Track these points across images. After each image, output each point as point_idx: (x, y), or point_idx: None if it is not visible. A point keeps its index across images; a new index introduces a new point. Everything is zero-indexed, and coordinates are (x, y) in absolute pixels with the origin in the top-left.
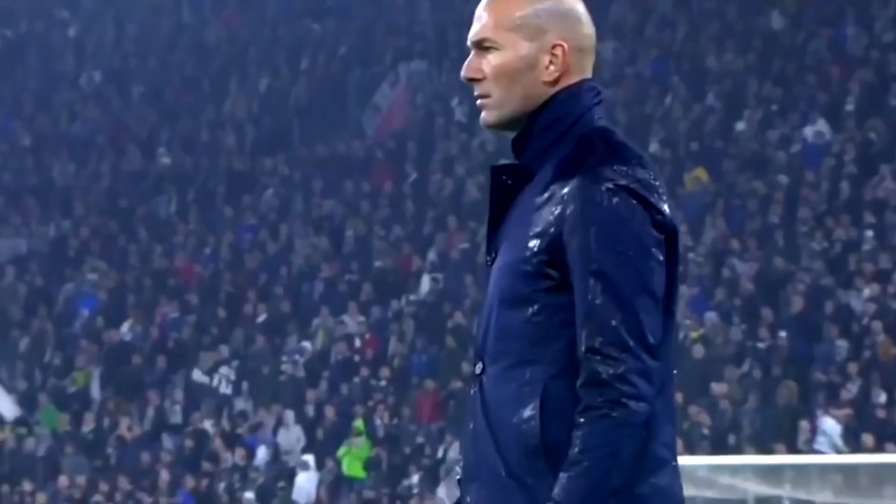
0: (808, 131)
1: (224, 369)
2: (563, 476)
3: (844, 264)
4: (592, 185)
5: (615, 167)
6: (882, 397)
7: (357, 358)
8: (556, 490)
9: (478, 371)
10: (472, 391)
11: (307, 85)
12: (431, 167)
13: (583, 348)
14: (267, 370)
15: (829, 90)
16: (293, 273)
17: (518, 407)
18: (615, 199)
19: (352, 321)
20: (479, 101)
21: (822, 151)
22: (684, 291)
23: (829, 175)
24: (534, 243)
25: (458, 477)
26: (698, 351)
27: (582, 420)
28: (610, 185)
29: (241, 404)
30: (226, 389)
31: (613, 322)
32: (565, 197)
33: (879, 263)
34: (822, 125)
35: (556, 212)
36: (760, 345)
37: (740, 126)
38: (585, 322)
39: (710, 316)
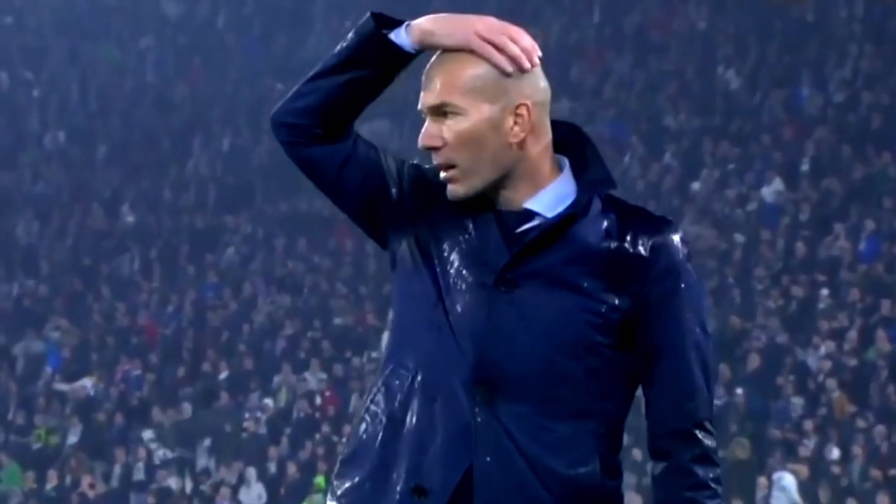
0: (765, 190)
1: (186, 425)
2: None
3: (800, 322)
4: (677, 239)
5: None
6: (837, 454)
7: (318, 415)
8: None
9: (480, 400)
10: (469, 419)
11: (270, 143)
12: None
13: (690, 424)
14: (229, 427)
15: (785, 149)
16: (255, 330)
17: (570, 458)
18: (690, 256)
19: (313, 378)
20: (443, 174)
21: (779, 210)
22: None
23: (785, 233)
24: (611, 297)
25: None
26: None
27: (692, 496)
28: (685, 240)
29: (203, 462)
30: (188, 447)
31: (710, 397)
32: (648, 248)
33: (835, 321)
34: (777, 184)
35: (638, 264)
36: (717, 402)
37: (697, 185)
38: (692, 395)
39: None
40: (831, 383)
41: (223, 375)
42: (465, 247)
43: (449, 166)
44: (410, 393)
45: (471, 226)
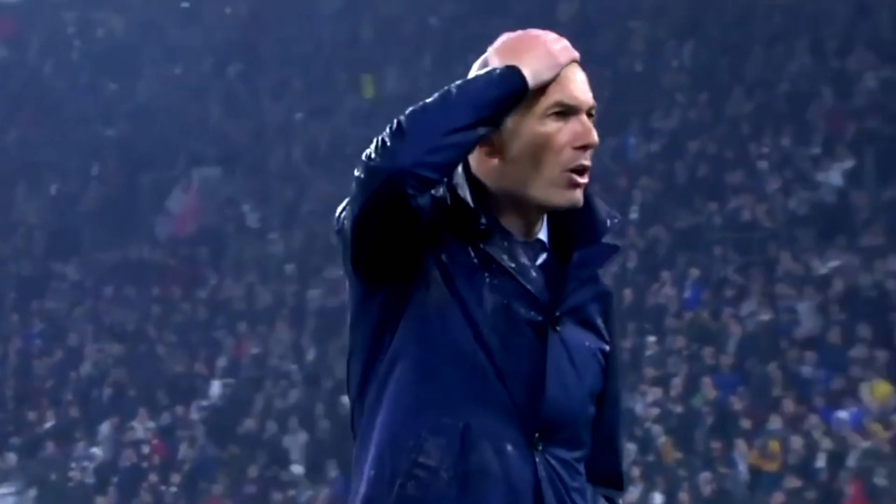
0: None
1: (11, 474)
2: None
3: (628, 369)
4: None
5: None
6: (661, 500)
7: (146, 464)
8: None
9: (539, 446)
10: (532, 469)
11: (99, 189)
12: (223, 272)
13: (621, 470)
14: (55, 476)
15: (614, 198)
16: (82, 378)
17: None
18: None
19: (141, 427)
20: (582, 178)
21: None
22: None
23: (614, 281)
24: (605, 344)
25: None
26: None
27: None
28: None
29: None
30: (15, 498)
31: None
32: (610, 306)
33: (661, 368)
34: None
35: (609, 305)
36: None
37: None
38: (620, 446)
39: None
40: (657, 429)
41: (49, 424)
42: (499, 282)
43: (588, 170)
44: (466, 445)
45: (504, 259)
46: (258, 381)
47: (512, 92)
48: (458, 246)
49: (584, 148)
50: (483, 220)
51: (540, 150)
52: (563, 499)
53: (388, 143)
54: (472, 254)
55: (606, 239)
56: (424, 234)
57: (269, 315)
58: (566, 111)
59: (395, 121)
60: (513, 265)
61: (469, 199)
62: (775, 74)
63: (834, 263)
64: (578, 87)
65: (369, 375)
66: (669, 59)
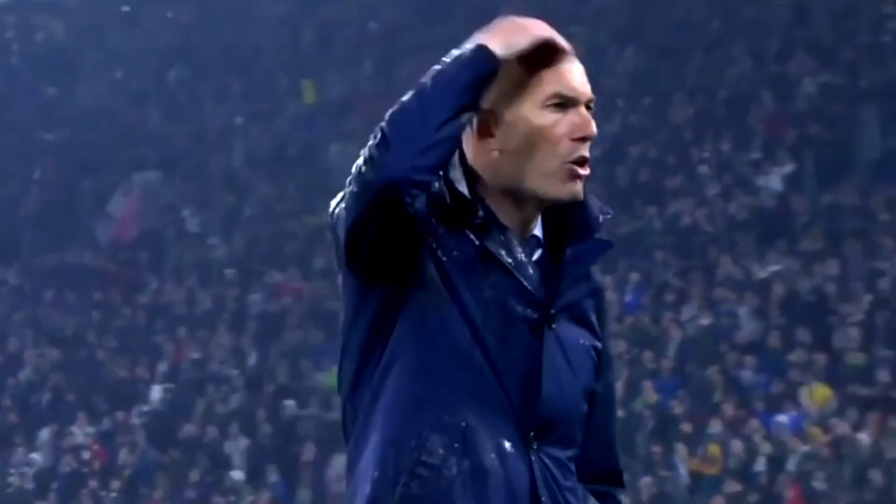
0: None
1: None
2: None
3: None
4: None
5: None
6: None
7: (86, 469)
8: None
9: (534, 445)
10: (528, 467)
11: (39, 194)
12: (163, 277)
13: (619, 468)
14: None
15: None
16: (21, 384)
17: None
18: None
19: (81, 432)
20: (583, 169)
21: None
22: None
23: None
24: (598, 341)
25: None
26: None
27: None
28: None
29: None
30: None
31: None
32: (602, 302)
33: None
34: None
35: (602, 303)
36: None
37: None
38: (616, 443)
39: None
40: None
41: None
42: (496, 278)
43: (588, 161)
44: (468, 443)
45: (502, 254)
46: (199, 385)
47: (485, 71)
48: (455, 241)
49: (583, 139)
50: (481, 214)
51: (538, 141)
52: (558, 499)
53: (376, 155)
54: (470, 249)
55: (599, 235)
56: (421, 234)
57: (210, 320)
58: (564, 103)
59: (378, 129)
60: (510, 261)
61: (466, 192)
62: (715, 79)
63: (774, 268)
64: (576, 78)
65: (363, 375)
66: (610, 64)
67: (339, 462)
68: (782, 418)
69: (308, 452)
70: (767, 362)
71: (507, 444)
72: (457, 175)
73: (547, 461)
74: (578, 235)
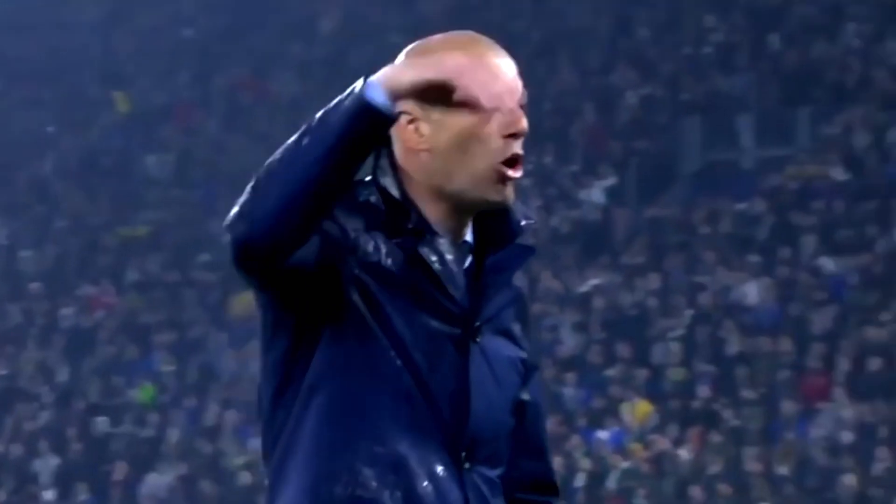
0: None
1: None
2: None
3: None
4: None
5: None
6: None
7: None
8: None
9: (466, 465)
10: (461, 493)
11: None
12: None
13: (553, 477)
14: None
15: None
16: None
17: None
18: None
19: None
20: (518, 172)
21: None
22: (232, 417)
23: None
24: (522, 351)
25: None
26: (245, 478)
27: None
28: None
29: None
30: None
31: None
32: (524, 308)
33: None
34: None
35: (524, 306)
36: None
37: None
38: (549, 453)
39: (255, 443)
40: None
41: None
42: (422, 291)
43: (521, 160)
44: (400, 474)
45: (434, 261)
46: (7, 402)
47: (367, 125)
48: (383, 252)
49: (514, 136)
50: (414, 219)
51: (468, 140)
52: None
53: (246, 211)
54: (400, 258)
55: (521, 240)
56: (327, 266)
57: (19, 334)
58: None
59: (255, 179)
60: (440, 268)
61: (398, 196)
62: (537, 91)
63: (595, 282)
64: (505, 73)
65: (282, 398)
66: None
67: (151, 480)
68: (603, 434)
69: (120, 471)
70: (588, 378)
71: (440, 469)
72: (388, 180)
73: (479, 481)
74: (500, 241)
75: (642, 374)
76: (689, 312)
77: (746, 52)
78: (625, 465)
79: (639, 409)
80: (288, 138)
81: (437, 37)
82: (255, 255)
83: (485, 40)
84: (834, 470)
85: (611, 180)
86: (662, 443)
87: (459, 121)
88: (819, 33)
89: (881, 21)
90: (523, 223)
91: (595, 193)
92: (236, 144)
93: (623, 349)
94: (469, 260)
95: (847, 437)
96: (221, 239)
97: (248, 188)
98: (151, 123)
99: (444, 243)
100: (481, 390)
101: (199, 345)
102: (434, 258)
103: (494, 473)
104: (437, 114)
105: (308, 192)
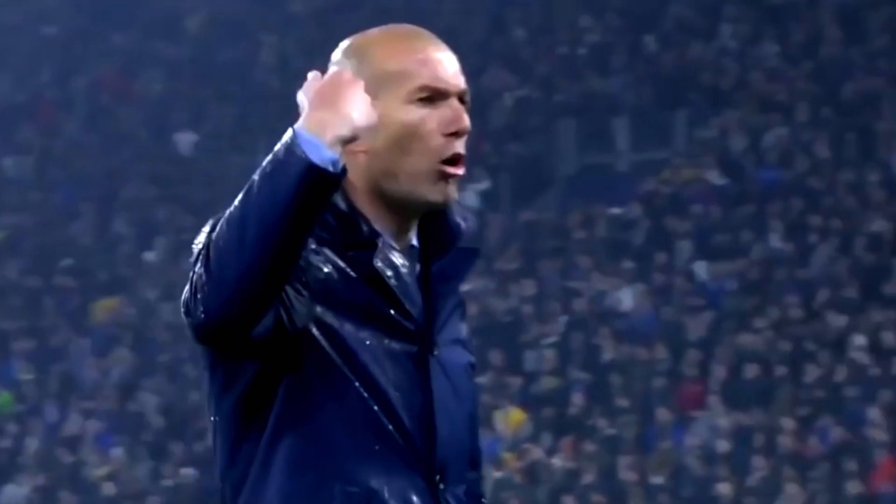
0: None
1: None
2: None
3: None
4: None
5: None
6: None
7: None
8: None
9: (441, 486)
10: None
11: None
12: None
13: (480, 489)
14: None
15: None
16: None
17: None
18: None
19: None
20: (458, 170)
21: None
22: (93, 426)
23: None
24: (471, 356)
25: None
26: (107, 488)
27: None
28: None
29: None
30: None
31: None
32: (465, 311)
33: None
34: None
35: (465, 327)
36: (168, 482)
37: (151, 255)
38: (481, 461)
39: (117, 452)
40: None
41: None
42: (380, 309)
43: (462, 159)
44: None
45: (389, 275)
46: None
47: (317, 188)
48: (336, 275)
49: (456, 135)
50: (365, 229)
51: (407, 139)
52: None
53: (202, 297)
54: (353, 279)
55: (463, 243)
56: (288, 313)
57: None
58: (433, 96)
59: (204, 255)
60: (397, 283)
61: (345, 208)
62: None
63: (467, 287)
64: (446, 68)
65: (241, 449)
66: (299, 73)
67: (9, 491)
68: None
69: None
70: None
71: (415, 498)
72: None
73: (453, 502)
74: (442, 246)
75: (516, 381)
76: (563, 319)
77: (622, 54)
78: (497, 474)
79: (512, 418)
80: (151, 139)
81: (376, 31)
82: (219, 337)
83: (426, 34)
84: (709, 478)
85: (484, 184)
86: (536, 452)
87: (398, 118)
88: (695, 35)
89: (757, 23)
90: (462, 225)
91: (468, 198)
92: (98, 145)
93: (496, 356)
94: (418, 267)
95: (722, 445)
96: (81, 241)
97: (200, 268)
98: (10, 124)
99: (396, 254)
100: (444, 407)
101: (60, 352)
102: (389, 273)
103: (459, 489)
104: (374, 110)
105: (265, 269)
